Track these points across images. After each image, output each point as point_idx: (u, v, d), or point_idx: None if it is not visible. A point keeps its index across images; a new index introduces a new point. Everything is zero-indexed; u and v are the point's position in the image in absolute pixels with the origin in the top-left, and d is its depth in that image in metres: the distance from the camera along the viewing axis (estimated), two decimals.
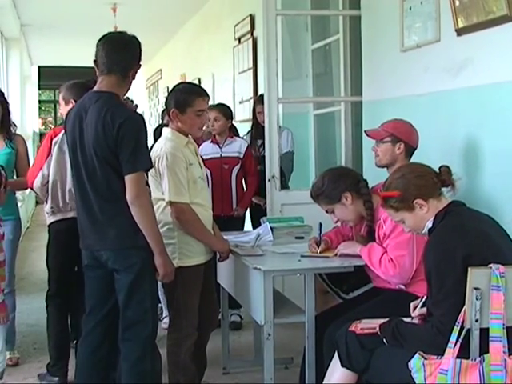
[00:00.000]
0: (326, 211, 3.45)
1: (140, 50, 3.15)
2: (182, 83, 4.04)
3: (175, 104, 3.47)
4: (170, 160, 3.36)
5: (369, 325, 2.82)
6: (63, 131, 3.85)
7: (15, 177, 4.39)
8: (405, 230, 2.90)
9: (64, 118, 3.50)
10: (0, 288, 3.50)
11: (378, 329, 2.75)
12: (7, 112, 4.37)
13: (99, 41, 3.13)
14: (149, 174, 3.37)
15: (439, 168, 2.87)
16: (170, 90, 3.62)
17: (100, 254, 3.11)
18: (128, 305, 3.08)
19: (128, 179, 2.99)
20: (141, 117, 3.18)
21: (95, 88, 3.14)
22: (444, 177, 2.83)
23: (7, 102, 4.41)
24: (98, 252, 3.12)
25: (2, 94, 4.38)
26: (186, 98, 3.47)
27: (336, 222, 3.50)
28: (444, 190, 2.84)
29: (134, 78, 3.16)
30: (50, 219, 4.04)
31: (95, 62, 3.12)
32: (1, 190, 3.52)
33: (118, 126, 2.96)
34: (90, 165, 3.04)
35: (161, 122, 6.78)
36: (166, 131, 3.53)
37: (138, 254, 3.06)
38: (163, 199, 3.38)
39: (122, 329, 3.13)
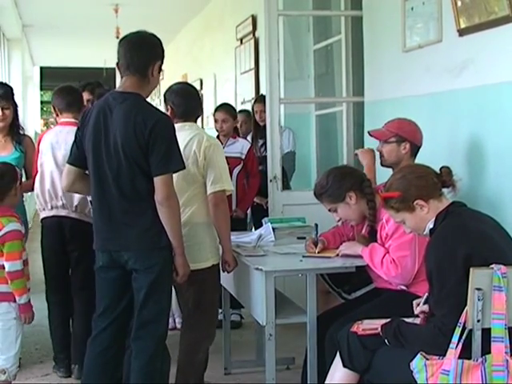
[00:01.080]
0: (329, 210, 3.43)
1: (161, 48, 3.12)
2: (181, 84, 3.99)
3: (201, 104, 3.79)
4: (220, 150, 3.54)
5: (370, 325, 2.81)
6: (47, 134, 4.10)
7: (24, 179, 4.40)
8: (406, 230, 2.90)
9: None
10: (26, 287, 3.49)
11: (379, 329, 2.75)
12: (16, 115, 4.36)
13: (121, 41, 3.12)
14: None
15: (440, 169, 2.86)
16: (187, 93, 3.61)
17: (120, 255, 3.08)
18: (145, 304, 3.07)
19: (159, 180, 2.97)
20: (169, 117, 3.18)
21: (119, 88, 3.12)
22: (445, 177, 2.83)
23: (17, 105, 4.40)
24: (118, 253, 3.08)
25: (13, 96, 4.37)
26: None
27: (338, 220, 3.50)
28: (445, 190, 2.84)
29: (153, 76, 3.09)
30: (40, 215, 4.17)
31: (117, 62, 3.10)
32: (17, 187, 3.54)
33: (151, 126, 2.94)
34: (116, 164, 3.00)
35: None
36: (192, 125, 3.52)
37: (159, 255, 3.06)
38: (198, 193, 3.42)
39: (136, 327, 3.12)
